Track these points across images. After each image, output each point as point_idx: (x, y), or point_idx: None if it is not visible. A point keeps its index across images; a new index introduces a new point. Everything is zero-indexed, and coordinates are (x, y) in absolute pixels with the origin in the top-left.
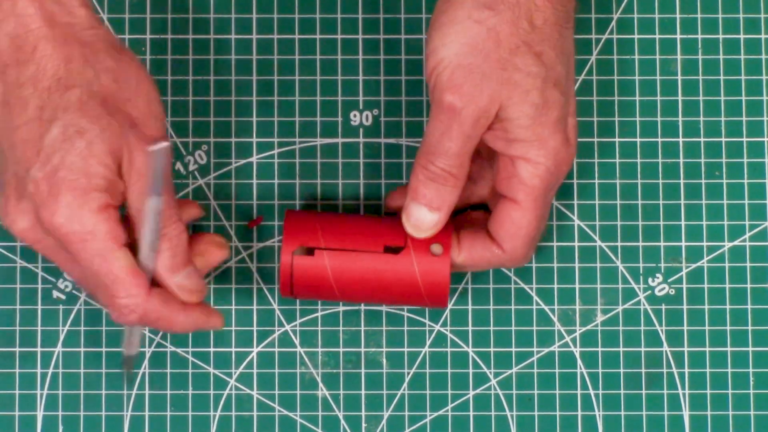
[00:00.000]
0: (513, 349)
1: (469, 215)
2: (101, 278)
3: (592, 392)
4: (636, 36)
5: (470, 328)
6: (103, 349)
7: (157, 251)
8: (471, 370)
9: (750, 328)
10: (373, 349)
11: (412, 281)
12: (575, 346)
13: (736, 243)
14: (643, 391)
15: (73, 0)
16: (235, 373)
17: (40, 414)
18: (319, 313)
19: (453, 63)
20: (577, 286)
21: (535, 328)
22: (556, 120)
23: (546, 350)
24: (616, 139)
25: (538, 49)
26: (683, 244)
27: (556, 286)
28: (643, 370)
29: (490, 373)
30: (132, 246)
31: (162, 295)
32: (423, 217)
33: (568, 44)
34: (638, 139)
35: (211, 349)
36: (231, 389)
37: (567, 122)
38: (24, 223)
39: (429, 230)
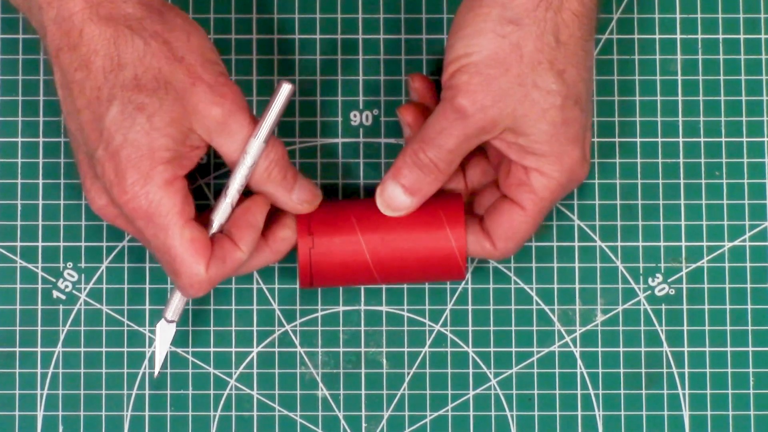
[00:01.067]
0: (513, 349)
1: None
2: (164, 254)
3: (592, 392)
4: (636, 36)
5: (470, 328)
6: (103, 349)
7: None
8: (471, 370)
9: (750, 328)
10: (373, 349)
11: (441, 254)
12: (575, 346)
13: (736, 243)
14: (643, 391)
15: None
16: (235, 373)
17: (40, 414)
18: (319, 313)
19: (472, 71)
20: (577, 286)
21: (535, 328)
22: (574, 136)
23: (546, 350)
24: (616, 139)
25: (560, 67)
26: (683, 244)
27: (556, 286)
28: (643, 370)
29: (490, 373)
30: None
31: (219, 261)
32: (397, 196)
33: (589, 59)
34: (638, 139)
35: (211, 349)
36: (231, 389)
37: (585, 137)
38: (101, 201)
39: (399, 211)
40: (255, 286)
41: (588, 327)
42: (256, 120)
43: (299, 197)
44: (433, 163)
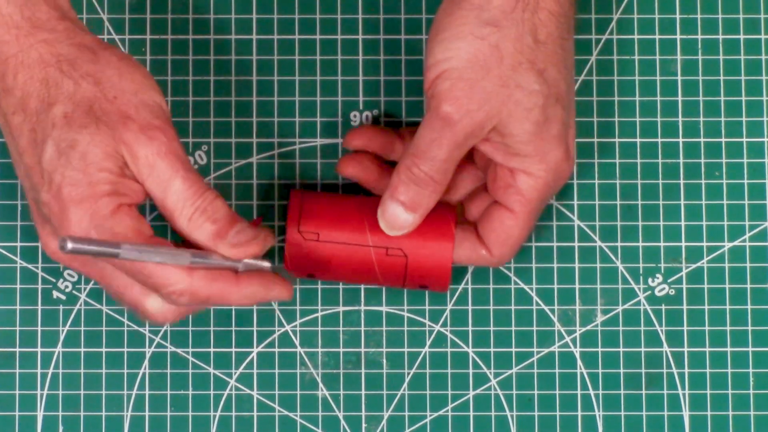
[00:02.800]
0: (513, 350)
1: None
2: (140, 276)
3: (592, 392)
4: (636, 36)
5: (470, 328)
6: (103, 350)
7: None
8: (471, 371)
9: (750, 328)
10: (373, 350)
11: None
12: (575, 347)
13: (736, 243)
14: (643, 392)
15: (53, 14)
16: (235, 373)
17: (40, 414)
18: (319, 314)
19: (454, 76)
20: (577, 286)
21: (535, 328)
22: (557, 134)
23: (546, 350)
24: (616, 140)
25: (541, 67)
26: (683, 244)
27: (556, 286)
28: (643, 371)
29: (490, 373)
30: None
31: (206, 273)
32: (398, 215)
33: (569, 57)
34: (638, 140)
35: (211, 350)
36: (231, 389)
37: (568, 134)
38: (53, 244)
39: (402, 229)
40: None
41: (588, 327)
42: (188, 166)
43: (235, 240)
44: (428, 176)
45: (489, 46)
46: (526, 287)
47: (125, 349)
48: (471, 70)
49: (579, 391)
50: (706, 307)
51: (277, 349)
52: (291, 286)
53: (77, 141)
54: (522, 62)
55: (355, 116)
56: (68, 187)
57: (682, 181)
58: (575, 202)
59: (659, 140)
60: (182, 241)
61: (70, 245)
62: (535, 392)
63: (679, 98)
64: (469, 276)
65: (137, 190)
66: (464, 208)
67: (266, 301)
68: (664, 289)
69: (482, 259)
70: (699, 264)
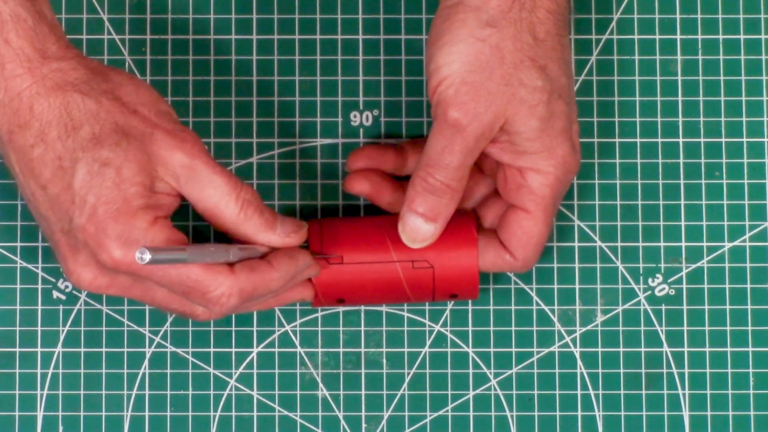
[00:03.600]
0: (513, 350)
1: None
2: (184, 285)
3: (592, 392)
4: (636, 36)
5: (470, 328)
6: (103, 350)
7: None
8: (471, 371)
9: (750, 328)
10: (373, 350)
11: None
12: (575, 347)
13: (736, 243)
14: (643, 392)
15: (61, 44)
16: (235, 373)
17: (40, 414)
18: (319, 314)
19: (458, 80)
20: (577, 286)
21: (535, 328)
22: (562, 129)
23: (546, 350)
24: (616, 140)
25: (542, 63)
26: (683, 244)
27: (556, 286)
28: (643, 371)
29: (490, 373)
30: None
31: (244, 265)
32: (419, 227)
33: (567, 53)
34: (638, 140)
35: (211, 350)
36: (231, 389)
37: (572, 129)
38: (89, 275)
39: (425, 241)
40: None
41: (588, 327)
42: (218, 163)
43: (284, 230)
44: (444, 185)
45: (490, 46)
46: (526, 287)
47: (125, 349)
48: (474, 72)
49: (579, 391)
50: (706, 307)
51: (277, 349)
52: (315, 263)
53: (110, 159)
54: (523, 60)
55: (355, 116)
56: (104, 205)
57: (682, 181)
58: (575, 202)
59: (659, 140)
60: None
61: (149, 256)
62: (535, 392)
63: (679, 98)
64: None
65: (169, 202)
66: (479, 216)
67: (299, 278)
68: (664, 289)
69: (508, 264)
70: (699, 264)
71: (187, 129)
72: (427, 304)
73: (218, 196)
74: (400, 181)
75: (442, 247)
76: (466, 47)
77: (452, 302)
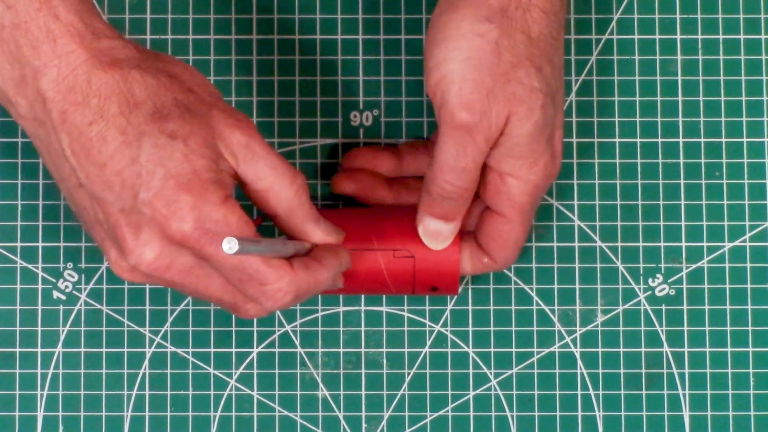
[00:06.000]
0: (513, 350)
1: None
2: (245, 271)
3: (592, 393)
4: (636, 36)
5: (470, 328)
6: (103, 350)
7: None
8: (471, 371)
9: (750, 328)
10: (373, 350)
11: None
12: (575, 347)
13: (736, 243)
14: (643, 392)
15: (101, 24)
16: (235, 373)
17: (40, 414)
18: (320, 314)
19: (458, 78)
20: (577, 286)
21: (535, 328)
22: (549, 136)
23: (546, 351)
24: (617, 140)
25: (538, 64)
26: (683, 244)
27: (556, 286)
28: (644, 371)
29: (491, 373)
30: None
31: (300, 263)
32: (439, 229)
33: (559, 57)
34: (638, 140)
35: (212, 350)
36: (231, 390)
37: (554, 136)
38: (151, 254)
39: (447, 240)
40: None
41: (588, 327)
42: (272, 147)
43: (325, 228)
44: (458, 188)
45: (488, 43)
46: (526, 287)
47: (125, 350)
48: (474, 69)
49: (579, 392)
50: (707, 307)
51: (277, 349)
52: (343, 250)
53: (176, 131)
54: (520, 59)
55: (355, 116)
56: (174, 177)
57: (682, 181)
58: (575, 202)
59: (659, 140)
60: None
61: (237, 246)
62: (535, 392)
63: (679, 98)
64: (469, 276)
65: (230, 182)
66: None
67: (341, 270)
68: (664, 289)
69: (487, 266)
70: (699, 264)
71: (240, 111)
72: (427, 303)
73: (274, 178)
74: (392, 181)
75: None
76: (466, 43)
77: (452, 303)
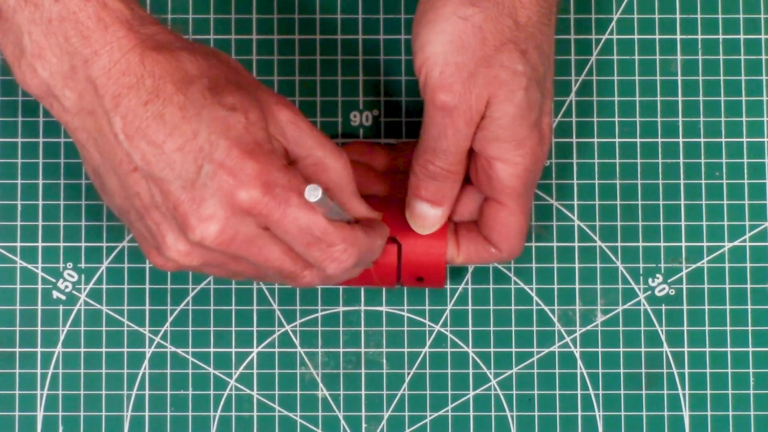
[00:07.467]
0: (513, 350)
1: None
2: (313, 233)
3: (592, 392)
4: (636, 36)
5: (470, 328)
6: (103, 350)
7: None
8: (471, 371)
9: (750, 328)
10: (373, 350)
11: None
12: (575, 347)
13: (736, 243)
14: (643, 392)
15: (144, 12)
16: (235, 373)
17: (40, 414)
18: (319, 314)
19: (441, 60)
20: (577, 286)
21: (535, 328)
22: (534, 120)
23: (546, 350)
24: (616, 140)
25: (523, 47)
26: (683, 244)
27: (556, 286)
28: (643, 371)
29: (490, 373)
30: None
31: (360, 227)
32: (426, 212)
33: (548, 43)
34: (638, 140)
35: (211, 350)
36: (231, 389)
37: (542, 121)
38: (215, 226)
39: (434, 225)
40: (255, 286)
41: (588, 327)
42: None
43: (367, 206)
44: (444, 170)
45: (472, 26)
46: (526, 287)
47: (125, 349)
48: (456, 52)
49: (579, 391)
50: (706, 307)
51: (277, 349)
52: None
53: (234, 104)
54: (505, 42)
55: (355, 116)
56: (237, 147)
57: (682, 181)
58: (575, 202)
59: (659, 140)
60: None
61: (320, 193)
62: (535, 392)
63: (679, 98)
64: (469, 276)
65: (284, 155)
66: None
67: (384, 243)
68: (664, 289)
69: (494, 256)
70: (699, 264)
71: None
72: (427, 303)
73: (323, 153)
74: (386, 175)
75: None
76: (450, 26)
77: (452, 303)
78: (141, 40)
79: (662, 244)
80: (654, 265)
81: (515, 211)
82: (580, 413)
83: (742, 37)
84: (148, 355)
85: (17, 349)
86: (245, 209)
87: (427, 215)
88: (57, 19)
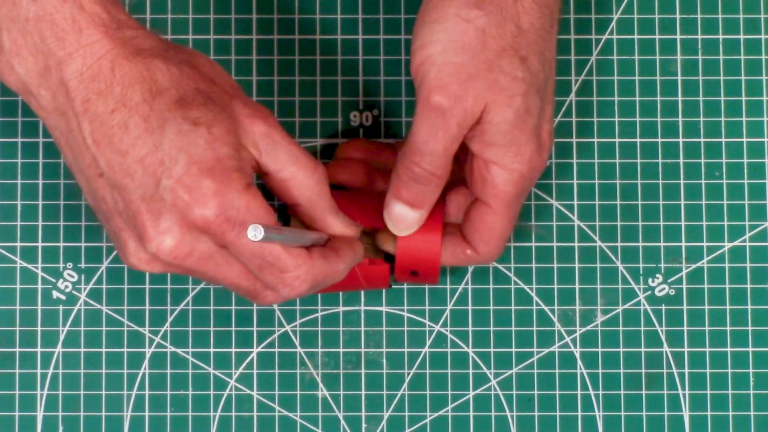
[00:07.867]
0: (513, 350)
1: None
2: (265, 259)
3: (592, 393)
4: (636, 36)
5: (470, 328)
6: (103, 350)
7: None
8: (471, 371)
9: (750, 328)
10: (373, 350)
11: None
12: (575, 347)
13: (736, 243)
14: (643, 392)
15: (124, 15)
16: (235, 373)
17: (40, 414)
18: (319, 314)
19: (439, 61)
20: (577, 286)
21: (535, 328)
22: (533, 126)
23: (546, 351)
24: (616, 140)
25: (523, 54)
26: (683, 244)
27: (556, 286)
28: (643, 371)
29: (490, 373)
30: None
31: (319, 252)
32: (405, 215)
33: (550, 49)
34: (638, 140)
35: (211, 350)
36: (231, 390)
37: (542, 128)
38: (171, 241)
39: (410, 228)
40: None
41: (588, 327)
42: (293, 138)
43: (343, 221)
44: (429, 173)
45: (474, 29)
46: (526, 287)
47: (125, 349)
48: (457, 54)
49: (579, 392)
50: (706, 307)
51: (277, 349)
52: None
53: (199, 119)
54: (506, 48)
55: (355, 116)
56: (197, 164)
57: (682, 181)
58: (575, 202)
59: (659, 140)
60: None
61: (262, 233)
62: (535, 392)
63: (679, 98)
64: (469, 276)
65: (251, 172)
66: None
67: (355, 263)
68: (664, 289)
69: (470, 258)
70: (699, 264)
71: (259, 103)
72: (427, 303)
73: (296, 167)
74: (386, 172)
75: None
76: (452, 26)
77: (452, 303)
78: (115, 45)
79: (662, 244)
80: (654, 265)
81: (503, 217)
82: (580, 413)
83: (742, 37)
84: (148, 355)
85: (17, 349)
86: (200, 227)
87: (405, 217)
88: (34, 18)
